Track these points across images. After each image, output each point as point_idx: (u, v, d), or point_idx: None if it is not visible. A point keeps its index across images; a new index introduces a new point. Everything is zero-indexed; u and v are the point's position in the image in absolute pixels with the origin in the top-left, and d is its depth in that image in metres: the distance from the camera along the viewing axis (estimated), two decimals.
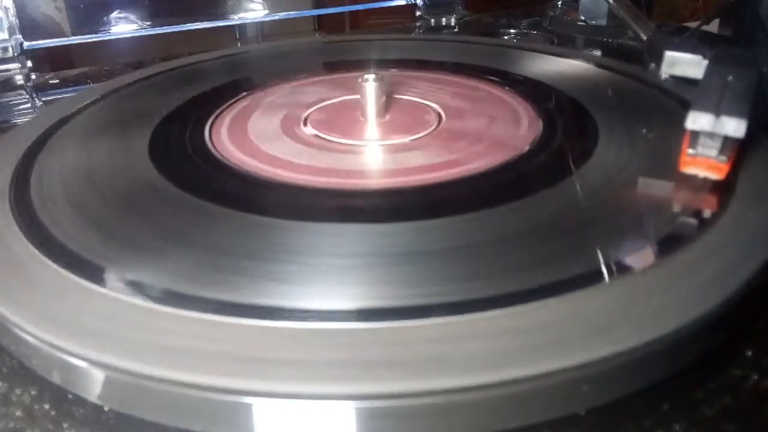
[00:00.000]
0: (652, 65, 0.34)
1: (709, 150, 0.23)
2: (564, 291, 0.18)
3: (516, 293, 0.18)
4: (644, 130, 0.28)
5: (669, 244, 0.20)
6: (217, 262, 0.20)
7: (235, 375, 0.16)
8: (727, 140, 0.23)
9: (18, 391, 0.18)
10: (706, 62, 0.28)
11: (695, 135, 0.23)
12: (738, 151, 0.24)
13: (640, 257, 0.20)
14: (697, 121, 0.23)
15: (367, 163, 0.28)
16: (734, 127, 0.22)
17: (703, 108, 0.23)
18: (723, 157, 0.23)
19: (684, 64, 0.31)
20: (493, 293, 0.18)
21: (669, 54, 0.32)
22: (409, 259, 0.20)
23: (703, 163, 0.23)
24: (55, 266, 0.20)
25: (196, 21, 0.58)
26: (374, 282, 0.19)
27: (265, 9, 0.61)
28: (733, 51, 0.29)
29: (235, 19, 0.61)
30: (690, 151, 0.24)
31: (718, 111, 0.23)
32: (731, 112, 0.22)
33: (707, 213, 0.22)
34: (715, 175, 0.23)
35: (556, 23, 0.56)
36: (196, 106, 0.34)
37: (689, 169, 0.24)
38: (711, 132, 0.23)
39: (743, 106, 0.23)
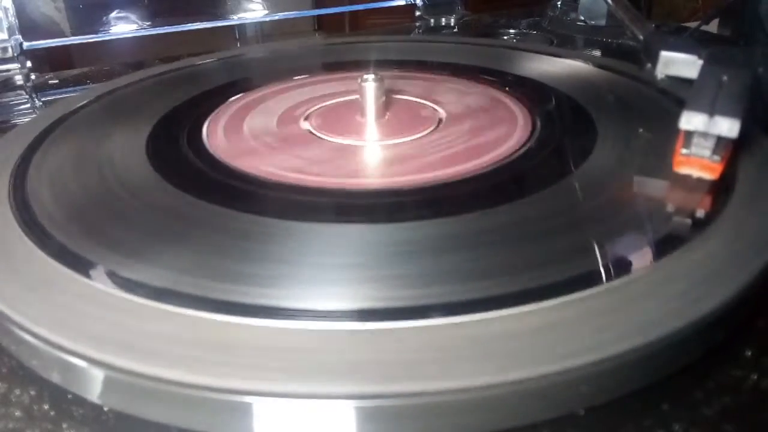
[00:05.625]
0: (648, 65, 0.34)
1: (703, 150, 0.23)
2: (563, 292, 0.18)
3: (515, 294, 0.18)
4: (641, 130, 0.28)
5: (668, 244, 0.20)
6: (216, 261, 0.20)
7: (235, 374, 0.16)
8: (720, 140, 0.23)
9: (18, 391, 0.18)
10: (700, 62, 0.28)
11: (689, 135, 0.23)
12: (732, 151, 0.24)
13: (639, 258, 0.20)
14: (690, 121, 0.23)
15: (366, 163, 0.28)
16: (728, 127, 0.22)
17: (697, 108, 0.23)
18: (716, 157, 0.23)
19: (679, 64, 0.31)
20: (493, 294, 0.18)
21: (664, 54, 0.32)
22: (409, 259, 0.20)
23: (697, 163, 0.23)
24: (54, 265, 0.20)
25: (196, 21, 0.58)
26: (374, 282, 0.19)
27: (265, 9, 0.61)
28: (729, 51, 0.29)
29: (235, 19, 0.62)
30: (684, 151, 0.24)
31: (711, 111, 0.23)
32: (725, 112, 0.22)
33: (707, 213, 0.22)
34: (708, 175, 0.23)
35: (555, 23, 0.56)
36: (195, 106, 0.34)
37: (683, 169, 0.24)
38: (705, 132, 0.23)
39: (737, 106, 0.23)
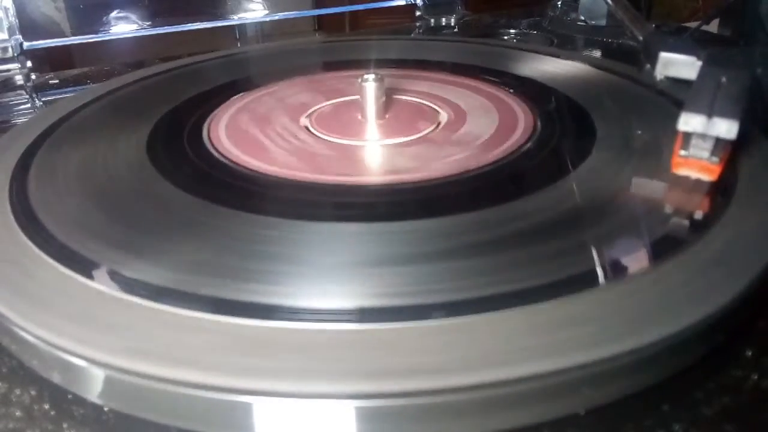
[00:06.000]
0: (648, 66, 0.34)
1: (701, 151, 0.23)
2: (563, 292, 0.18)
3: (515, 294, 0.18)
4: (639, 132, 0.28)
5: (668, 245, 0.20)
6: (216, 261, 0.20)
7: (235, 374, 0.16)
8: (719, 142, 0.23)
9: (18, 391, 0.18)
10: (699, 63, 0.28)
11: (687, 136, 0.23)
12: (730, 152, 0.24)
13: (638, 259, 0.20)
14: (689, 122, 0.23)
15: (366, 162, 0.28)
16: (726, 128, 0.22)
17: (696, 109, 0.23)
18: (715, 159, 0.23)
19: (678, 65, 0.31)
20: (493, 294, 0.18)
21: (663, 55, 0.32)
22: (409, 258, 0.20)
23: (695, 164, 0.23)
24: (54, 265, 0.20)
25: (196, 21, 0.58)
26: (374, 281, 0.19)
27: (265, 9, 0.61)
28: (727, 52, 0.29)
29: (235, 19, 0.62)
30: (682, 152, 0.23)
31: (710, 112, 0.22)
32: (723, 114, 0.22)
33: (706, 215, 0.22)
34: (707, 177, 0.23)
35: (555, 24, 0.56)
36: (195, 105, 0.34)
37: (681, 171, 0.24)
38: (703, 133, 0.23)
39: (735, 108, 0.23)
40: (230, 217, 0.23)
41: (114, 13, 0.55)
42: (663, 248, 0.20)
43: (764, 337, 0.19)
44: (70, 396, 0.18)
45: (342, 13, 1.25)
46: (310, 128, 0.31)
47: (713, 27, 0.53)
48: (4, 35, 0.49)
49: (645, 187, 0.24)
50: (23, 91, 0.46)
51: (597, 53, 0.49)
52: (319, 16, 1.37)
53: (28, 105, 0.43)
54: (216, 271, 0.20)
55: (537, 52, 0.41)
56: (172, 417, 0.16)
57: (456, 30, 0.59)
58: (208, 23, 0.59)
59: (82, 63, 0.60)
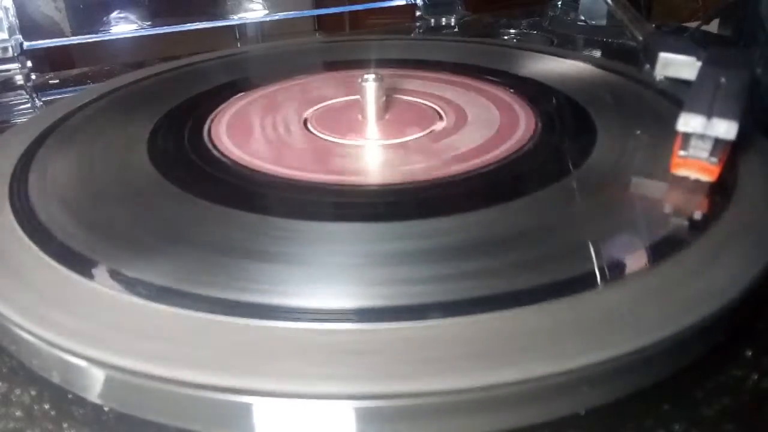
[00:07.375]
0: (647, 66, 0.34)
1: (700, 152, 0.23)
2: (562, 293, 0.18)
3: (516, 294, 0.18)
4: (639, 132, 0.28)
5: (667, 246, 0.20)
6: (216, 260, 0.20)
7: (235, 374, 0.16)
8: (718, 142, 0.23)
9: (18, 391, 0.18)
10: (699, 64, 0.28)
11: (687, 137, 0.23)
12: (730, 152, 0.24)
13: (636, 260, 0.20)
14: (688, 123, 0.23)
15: (366, 162, 0.28)
16: (725, 129, 0.22)
17: (695, 110, 0.23)
18: (714, 159, 0.23)
19: (678, 65, 0.31)
20: (493, 294, 0.18)
21: (663, 55, 0.32)
22: (408, 258, 0.20)
23: (694, 165, 0.23)
24: (55, 265, 0.20)
25: (196, 21, 0.58)
26: (373, 281, 0.19)
27: (265, 9, 0.61)
28: (727, 52, 0.29)
29: (235, 19, 0.62)
30: (681, 152, 0.23)
31: (709, 113, 0.22)
32: (723, 114, 0.22)
33: (705, 215, 0.22)
34: (706, 177, 0.23)
35: (555, 23, 0.56)
36: (196, 105, 0.34)
37: (680, 171, 0.24)
38: (702, 134, 0.23)
39: (735, 108, 0.23)
40: (231, 216, 0.23)
41: (114, 13, 0.55)
42: (662, 249, 0.20)
43: (764, 337, 0.19)
44: (70, 396, 0.18)
45: (342, 13, 1.25)
46: (311, 128, 0.31)
47: (713, 27, 0.53)
48: (4, 35, 0.49)
49: (644, 187, 0.24)
50: (23, 91, 0.46)
51: (597, 53, 0.49)
52: (319, 16, 1.37)
53: (28, 105, 0.43)
54: (216, 270, 0.20)
55: (537, 51, 0.41)
56: (171, 417, 0.16)
57: (456, 30, 0.59)
58: (208, 23, 0.59)
59: (82, 63, 0.60)
